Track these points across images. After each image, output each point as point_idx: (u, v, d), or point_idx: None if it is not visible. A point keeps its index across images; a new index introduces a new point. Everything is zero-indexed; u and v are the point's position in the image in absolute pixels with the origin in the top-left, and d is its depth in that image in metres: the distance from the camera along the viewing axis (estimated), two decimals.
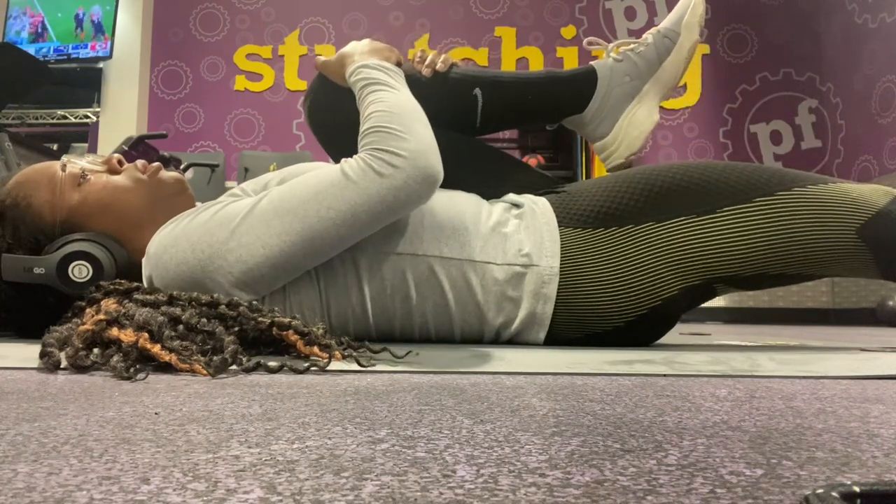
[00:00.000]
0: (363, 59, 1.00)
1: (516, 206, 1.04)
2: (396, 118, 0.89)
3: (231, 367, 0.62)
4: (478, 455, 0.30)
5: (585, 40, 1.29)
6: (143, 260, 0.89)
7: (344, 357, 0.68)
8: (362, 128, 0.91)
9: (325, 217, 0.85)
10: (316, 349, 0.68)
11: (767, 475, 0.27)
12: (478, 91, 1.11)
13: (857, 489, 0.22)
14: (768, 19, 4.85)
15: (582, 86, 1.15)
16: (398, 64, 1.05)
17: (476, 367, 0.68)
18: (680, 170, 1.01)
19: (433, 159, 0.87)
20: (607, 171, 1.18)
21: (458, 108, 1.11)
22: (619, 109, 1.15)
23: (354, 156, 0.89)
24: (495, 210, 1.02)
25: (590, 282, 0.96)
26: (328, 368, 0.65)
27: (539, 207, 1.02)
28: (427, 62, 1.10)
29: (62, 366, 0.63)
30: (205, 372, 0.60)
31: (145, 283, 0.87)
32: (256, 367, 0.62)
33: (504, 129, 1.20)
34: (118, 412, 0.41)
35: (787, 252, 0.95)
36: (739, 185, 0.97)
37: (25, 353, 0.69)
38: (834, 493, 0.21)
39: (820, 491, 0.22)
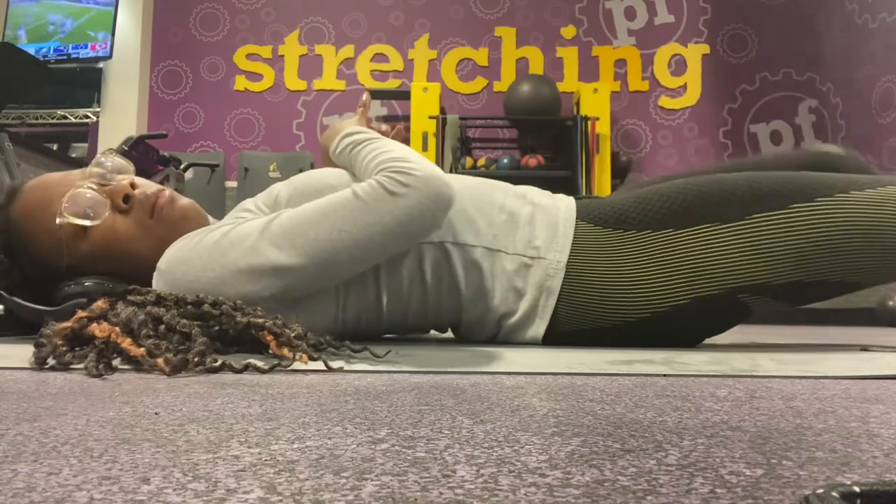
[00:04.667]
0: (344, 132, 1.00)
1: (532, 200, 1.04)
2: (401, 152, 0.89)
3: (198, 367, 0.63)
4: (478, 455, 0.30)
5: None
6: (155, 274, 0.89)
7: (312, 359, 0.67)
8: (370, 167, 0.90)
9: (337, 240, 0.84)
10: (286, 350, 0.68)
11: (767, 475, 0.27)
12: None
13: (857, 489, 0.22)
14: (768, 19, 4.85)
15: None
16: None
17: (476, 367, 0.68)
18: (715, 180, 0.98)
19: (445, 182, 0.86)
20: None
21: None
22: None
23: (367, 179, 0.88)
24: (510, 199, 1.03)
25: (594, 277, 0.96)
26: (332, 368, 0.65)
27: (563, 204, 1.03)
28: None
29: (49, 362, 0.65)
30: (166, 369, 0.61)
31: None
32: (222, 368, 0.63)
33: None
34: (118, 412, 0.41)
35: (824, 260, 0.91)
36: (774, 191, 0.94)
37: (25, 354, 0.69)
38: (834, 493, 0.21)
39: (820, 491, 0.22)
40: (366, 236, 0.84)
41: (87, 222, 0.92)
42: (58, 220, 0.92)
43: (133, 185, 0.95)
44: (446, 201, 0.86)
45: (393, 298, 0.97)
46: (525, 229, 0.99)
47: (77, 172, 0.98)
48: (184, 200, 0.99)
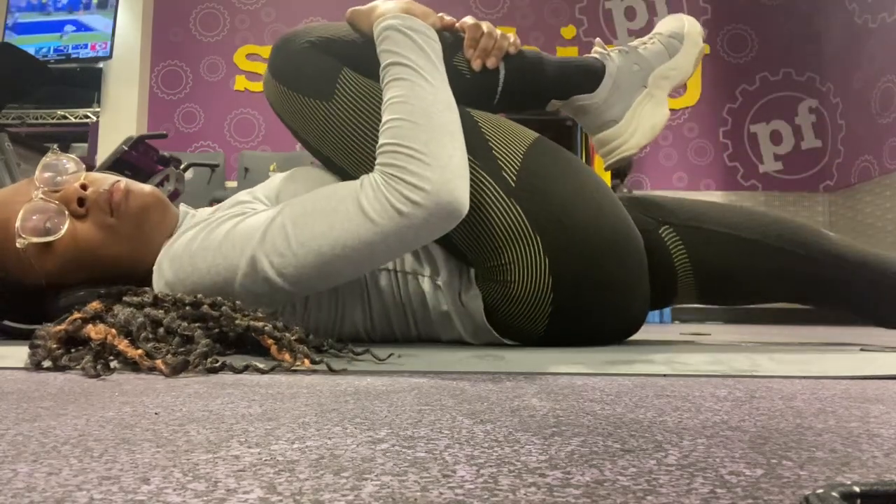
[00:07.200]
0: (392, 15, 0.90)
1: None
2: (419, 131, 0.82)
3: (197, 367, 0.62)
4: (478, 455, 0.30)
5: (596, 42, 1.19)
6: (155, 272, 0.87)
7: (314, 362, 0.66)
8: (381, 130, 0.85)
9: (341, 255, 0.81)
10: (287, 355, 0.67)
11: (767, 475, 0.27)
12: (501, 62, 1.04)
13: (857, 489, 0.22)
14: (768, 19, 4.85)
15: (592, 67, 1.11)
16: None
17: (476, 367, 0.68)
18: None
19: (457, 188, 0.81)
20: (606, 167, 1.14)
21: (478, 80, 1.03)
22: (630, 94, 1.10)
23: (372, 180, 0.82)
24: None
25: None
26: (335, 370, 0.65)
27: None
28: (481, 49, 1.00)
29: (45, 364, 0.65)
30: (166, 371, 0.60)
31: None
32: (222, 368, 0.63)
33: (518, 110, 1.11)
34: (118, 412, 0.41)
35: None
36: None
37: (24, 354, 0.69)
38: (834, 493, 0.21)
39: (820, 491, 0.22)
40: (370, 253, 0.82)
41: (48, 238, 0.85)
42: (18, 244, 0.85)
43: (84, 186, 0.88)
44: (456, 215, 0.81)
45: (382, 326, 1.03)
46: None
47: (25, 183, 0.90)
48: (143, 189, 0.92)
